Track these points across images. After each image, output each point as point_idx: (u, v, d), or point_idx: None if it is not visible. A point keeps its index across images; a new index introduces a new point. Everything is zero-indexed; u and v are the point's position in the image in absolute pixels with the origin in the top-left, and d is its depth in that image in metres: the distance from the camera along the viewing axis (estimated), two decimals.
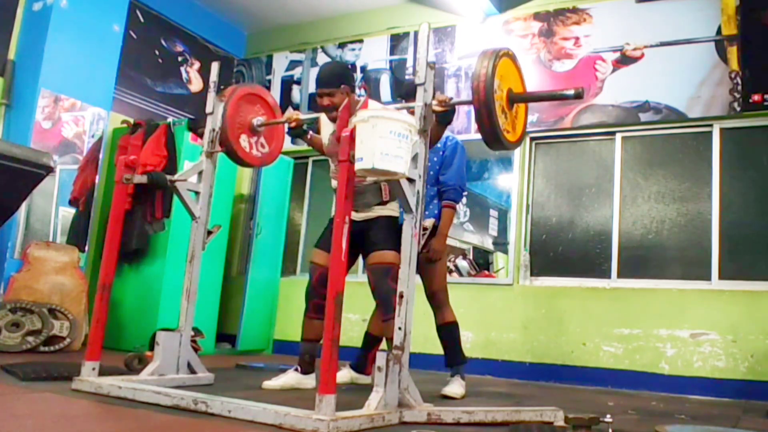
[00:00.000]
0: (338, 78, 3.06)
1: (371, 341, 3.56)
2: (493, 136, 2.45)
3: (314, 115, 3.40)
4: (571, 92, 2.51)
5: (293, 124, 3.20)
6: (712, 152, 4.59)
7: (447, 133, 3.38)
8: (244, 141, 3.18)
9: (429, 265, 3.35)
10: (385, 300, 2.96)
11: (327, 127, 3.25)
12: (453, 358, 3.39)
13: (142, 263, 4.85)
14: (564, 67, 5.13)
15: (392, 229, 3.00)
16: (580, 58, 5.08)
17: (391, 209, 3.13)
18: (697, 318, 4.31)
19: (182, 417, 2.10)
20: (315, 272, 3.14)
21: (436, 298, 3.45)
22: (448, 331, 3.42)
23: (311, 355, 3.16)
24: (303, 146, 6.12)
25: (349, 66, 3.36)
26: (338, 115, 3.08)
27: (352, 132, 2.14)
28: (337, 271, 2.07)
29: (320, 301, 3.07)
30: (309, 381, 3.13)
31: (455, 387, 3.25)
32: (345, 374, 3.48)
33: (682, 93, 4.67)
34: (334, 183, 3.18)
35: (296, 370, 3.14)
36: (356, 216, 3.03)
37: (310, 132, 3.38)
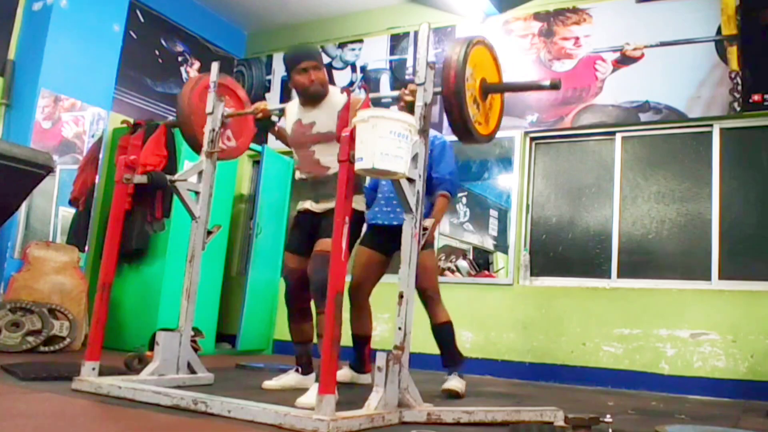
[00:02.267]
0: (319, 54, 3.01)
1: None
2: (463, 128, 2.35)
3: (281, 105, 3.30)
4: (547, 83, 2.46)
5: (260, 115, 3.09)
6: (712, 152, 4.59)
7: (434, 132, 3.31)
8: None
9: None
10: (320, 290, 2.72)
11: (291, 117, 3.10)
12: (450, 359, 3.37)
13: (142, 263, 4.85)
14: (564, 67, 5.13)
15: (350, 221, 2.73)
16: (580, 58, 5.08)
17: (354, 201, 2.78)
18: (697, 318, 4.31)
19: (182, 417, 2.10)
20: (291, 277, 3.07)
21: (426, 296, 3.34)
22: (444, 332, 3.38)
23: (307, 355, 3.15)
24: None
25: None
26: (315, 96, 2.97)
27: (352, 132, 2.14)
28: (337, 271, 2.07)
29: (304, 304, 3.08)
30: (309, 381, 3.10)
31: (455, 381, 3.25)
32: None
33: (682, 93, 4.67)
34: (297, 174, 3.09)
35: (297, 370, 3.14)
36: (316, 207, 2.99)
37: (278, 124, 3.25)
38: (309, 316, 3.11)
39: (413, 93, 2.52)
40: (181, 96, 3.16)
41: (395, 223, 3.25)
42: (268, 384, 3.03)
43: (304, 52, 2.97)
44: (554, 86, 2.44)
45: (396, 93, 2.77)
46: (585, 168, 5.05)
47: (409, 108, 2.54)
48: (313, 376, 3.12)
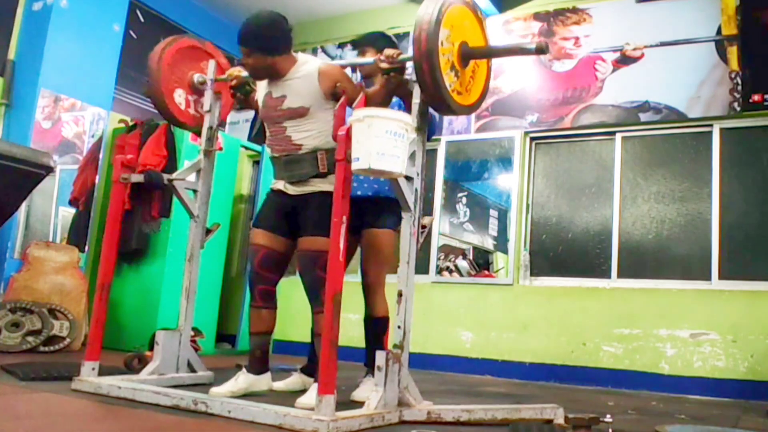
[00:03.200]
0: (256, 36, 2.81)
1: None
2: (437, 97, 2.14)
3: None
4: (533, 47, 2.24)
5: (234, 83, 2.87)
6: (712, 152, 4.58)
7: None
8: (179, 97, 2.95)
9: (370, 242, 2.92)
10: (312, 290, 2.63)
11: (261, 88, 2.89)
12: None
13: (141, 263, 4.85)
14: (564, 67, 5.12)
15: (328, 209, 2.25)
16: (580, 58, 5.07)
17: (330, 182, 2.53)
18: (697, 318, 4.31)
19: (182, 417, 2.10)
20: (257, 254, 2.74)
21: (367, 282, 2.95)
22: (379, 327, 2.99)
23: (262, 350, 2.78)
24: None
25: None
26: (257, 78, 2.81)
27: (348, 131, 2.13)
28: (336, 270, 2.06)
29: (266, 287, 2.77)
30: (262, 382, 2.77)
31: (369, 387, 2.61)
32: (296, 380, 3.04)
33: (682, 93, 4.67)
34: (269, 152, 2.82)
35: (240, 367, 2.85)
36: (291, 189, 2.72)
37: (254, 95, 2.99)
38: (272, 302, 2.80)
39: (389, 59, 2.40)
40: (150, 58, 2.91)
41: (359, 193, 2.88)
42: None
43: (241, 35, 2.83)
44: (540, 50, 2.22)
45: (371, 59, 2.60)
46: (585, 168, 5.05)
47: (388, 85, 2.45)
48: (268, 375, 2.82)
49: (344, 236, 2.08)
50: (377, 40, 2.95)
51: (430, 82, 2.13)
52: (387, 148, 2.09)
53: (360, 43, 2.97)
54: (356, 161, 2.09)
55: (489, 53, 2.49)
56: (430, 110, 2.56)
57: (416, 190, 2.36)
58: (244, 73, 2.92)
